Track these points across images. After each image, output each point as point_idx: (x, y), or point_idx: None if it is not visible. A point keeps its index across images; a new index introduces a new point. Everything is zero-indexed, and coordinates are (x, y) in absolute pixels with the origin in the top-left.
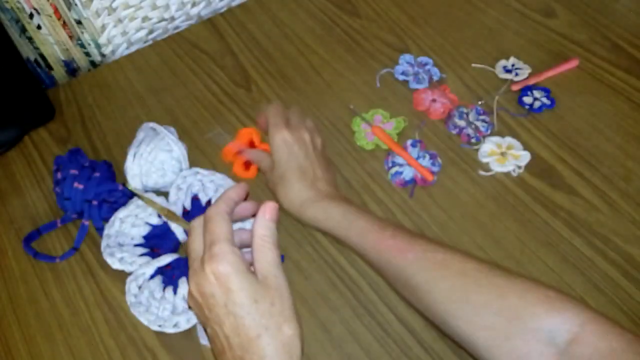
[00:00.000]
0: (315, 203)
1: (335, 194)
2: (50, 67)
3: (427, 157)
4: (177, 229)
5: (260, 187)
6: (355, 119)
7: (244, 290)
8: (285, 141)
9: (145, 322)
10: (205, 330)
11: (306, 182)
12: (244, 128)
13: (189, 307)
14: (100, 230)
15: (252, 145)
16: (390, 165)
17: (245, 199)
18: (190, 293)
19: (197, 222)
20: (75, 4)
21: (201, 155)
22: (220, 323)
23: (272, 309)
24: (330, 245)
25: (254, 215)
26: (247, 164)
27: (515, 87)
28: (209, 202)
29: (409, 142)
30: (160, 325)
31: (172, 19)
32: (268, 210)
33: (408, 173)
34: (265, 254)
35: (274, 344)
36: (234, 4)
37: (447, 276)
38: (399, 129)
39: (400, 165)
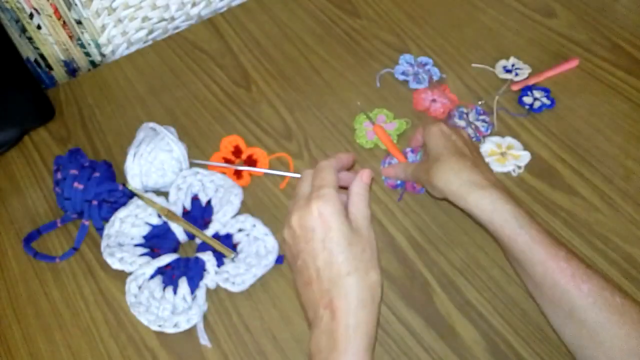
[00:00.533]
0: (480, 189)
1: (500, 184)
2: (50, 67)
3: None
4: (177, 229)
5: (256, 191)
6: (358, 116)
7: (342, 231)
8: (442, 130)
9: (145, 322)
10: (293, 263)
11: (467, 162)
12: (227, 136)
13: (283, 240)
14: (100, 230)
15: (238, 152)
16: (385, 166)
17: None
18: (290, 226)
19: (308, 171)
20: (75, 4)
21: (201, 155)
22: (314, 256)
23: (363, 254)
24: None
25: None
26: (238, 173)
27: (515, 87)
28: (208, 202)
29: (409, 148)
30: (160, 325)
31: (172, 19)
32: (365, 174)
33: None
34: (361, 209)
35: (361, 284)
36: (234, 4)
37: (623, 323)
38: (400, 130)
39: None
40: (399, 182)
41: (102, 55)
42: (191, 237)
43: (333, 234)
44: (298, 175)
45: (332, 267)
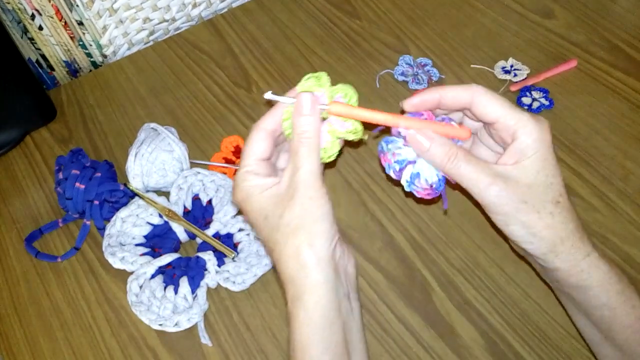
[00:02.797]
0: (575, 250)
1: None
2: (51, 68)
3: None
4: (178, 229)
5: None
6: (286, 110)
7: (253, 211)
8: (551, 148)
9: (146, 321)
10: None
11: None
12: (228, 137)
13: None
14: (101, 230)
15: (238, 152)
16: (397, 168)
17: None
18: None
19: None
20: (77, 5)
21: (202, 155)
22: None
23: (281, 221)
24: None
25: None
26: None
27: (514, 88)
28: (209, 202)
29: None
30: (161, 325)
31: (173, 20)
32: (300, 102)
33: (426, 169)
34: (295, 161)
35: (282, 255)
36: (234, 5)
37: None
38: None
39: (411, 161)
40: (432, 180)
41: (104, 56)
42: (192, 236)
43: (248, 217)
44: None
45: (264, 243)
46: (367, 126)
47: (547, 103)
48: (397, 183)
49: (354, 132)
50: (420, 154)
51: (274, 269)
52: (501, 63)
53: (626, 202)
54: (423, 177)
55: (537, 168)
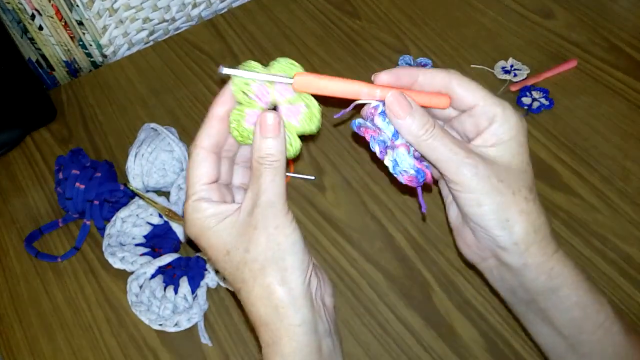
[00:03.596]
0: (546, 244)
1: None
2: (51, 68)
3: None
4: (178, 229)
5: None
6: (234, 112)
7: (212, 247)
8: (527, 136)
9: (147, 321)
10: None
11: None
12: None
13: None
14: (101, 230)
15: None
16: (383, 146)
17: None
18: None
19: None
20: (77, 5)
21: None
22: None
23: (247, 255)
24: (330, 245)
25: None
26: None
27: (514, 88)
28: None
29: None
30: (161, 324)
31: (173, 20)
32: (264, 122)
33: (403, 158)
34: (258, 186)
35: (252, 296)
36: (234, 5)
37: None
38: (313, 128)
39: (389, 146)
40: (411, 174)
41: (104, 56)
42: None
43: (208, 253)
44: (298, 176)
45: (231, 281)
46: (331, 102)
47: (547, 103)
48: (385, 170)
49: (309, 118)
50: (396, 123)
51: (242, 310)
52: (501, 63)
53: (626, 202)
54: (401, 166)
55: (514, 152)
